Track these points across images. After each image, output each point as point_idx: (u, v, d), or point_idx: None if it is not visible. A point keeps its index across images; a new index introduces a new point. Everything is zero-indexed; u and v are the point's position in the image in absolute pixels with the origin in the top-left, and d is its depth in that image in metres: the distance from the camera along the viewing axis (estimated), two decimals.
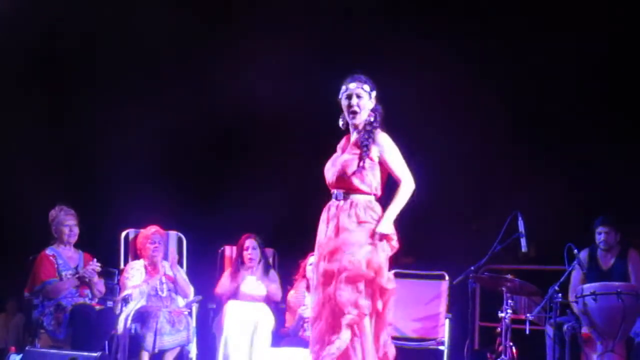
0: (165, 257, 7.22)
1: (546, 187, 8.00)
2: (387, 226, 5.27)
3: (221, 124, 8.69)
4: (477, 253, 6.59)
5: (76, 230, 6.89)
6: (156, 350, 6.65)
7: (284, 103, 8.49)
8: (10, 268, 7.95)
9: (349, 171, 5.36)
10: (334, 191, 5.45)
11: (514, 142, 8.28)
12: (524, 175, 8.20)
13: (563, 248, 6.54)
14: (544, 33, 8.21)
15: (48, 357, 5.98)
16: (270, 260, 7.52)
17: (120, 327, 6.69)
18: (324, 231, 5.40)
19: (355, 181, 5.36)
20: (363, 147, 5.37)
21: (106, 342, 6.76)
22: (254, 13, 8.68)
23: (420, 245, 8.22)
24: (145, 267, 7.09)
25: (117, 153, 8.60)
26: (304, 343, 6.83)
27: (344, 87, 5.47)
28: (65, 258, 6.84)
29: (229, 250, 7.57)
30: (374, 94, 5.50)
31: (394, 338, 7.06)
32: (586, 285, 6.50)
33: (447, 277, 7.42)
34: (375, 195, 5.41)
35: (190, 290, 7.12)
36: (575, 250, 6.56)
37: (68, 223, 6.86)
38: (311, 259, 7.11)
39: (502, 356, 6.47)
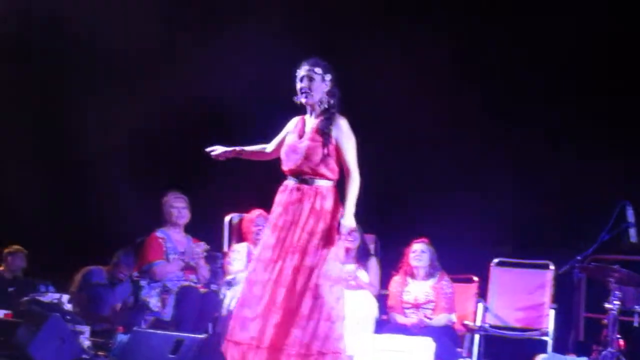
0: None
1: None
2: (351, 219, 5.34)
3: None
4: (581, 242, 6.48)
5: (184, 212, 7.00)
6: None
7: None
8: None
9: (315, 159, 5.39)
10: (294, 176, 5.45)
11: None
12: (630, 163, 7.96)
13: None
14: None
15: (154, 338, 6.03)
16: (372, 247, 7.51)
17: (224, 309, 6.76)
18: (279, 213, 5.42)
19: (322, 168, 5.40)
20: (325, 135, 5.39)
21: (210, 324, 6.85)
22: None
23: (522, 234, 8.09)
24: (249, 251, 7.12)
25: None
26: (405, 330, 6.82)
27: (297, 72, 5.50)
28: (174, 241, 6.95)
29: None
30: (328, 77, 5.48)
31: (497, 327, 7.07)
32: None
33: (551, 267, 7.32)
34: (336, 180, 5.46)
35: None
36: None
37: (177, 205, 6.99)
38: (416, 246, 7.12)
39: (609, 348, 6.33)
